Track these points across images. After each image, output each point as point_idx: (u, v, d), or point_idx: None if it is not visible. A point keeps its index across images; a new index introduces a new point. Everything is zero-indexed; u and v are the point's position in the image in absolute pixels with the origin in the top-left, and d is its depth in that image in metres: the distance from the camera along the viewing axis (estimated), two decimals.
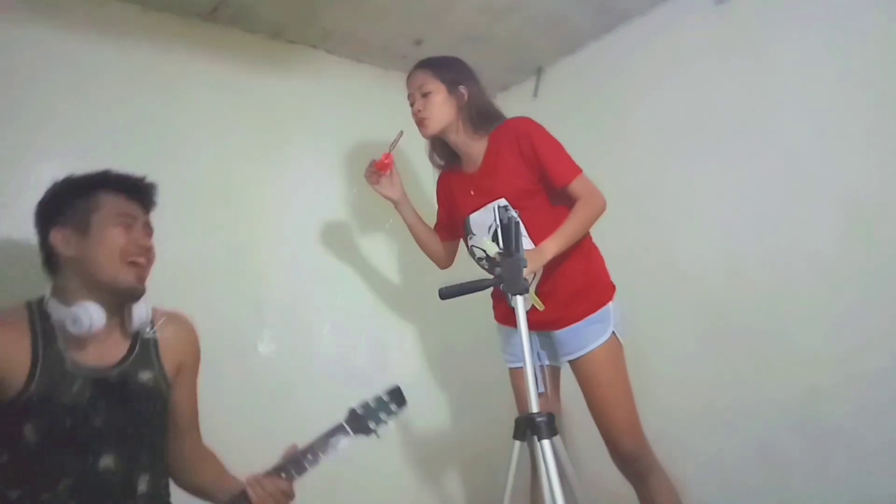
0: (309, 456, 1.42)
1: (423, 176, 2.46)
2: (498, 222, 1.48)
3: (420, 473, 2.46)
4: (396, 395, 1.57)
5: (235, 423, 1.91)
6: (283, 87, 2.42)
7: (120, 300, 1.43)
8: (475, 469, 2.56)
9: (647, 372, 2.24)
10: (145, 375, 1.46)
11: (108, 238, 1.40)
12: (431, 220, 2.15)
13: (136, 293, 1.43)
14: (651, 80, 2.45)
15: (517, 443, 1.54)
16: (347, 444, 1.48)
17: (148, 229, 1.50)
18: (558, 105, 2.71)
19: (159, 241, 1.53)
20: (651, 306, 2.35)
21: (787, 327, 2.05)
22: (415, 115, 1.94)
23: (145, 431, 1.45)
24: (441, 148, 2.04)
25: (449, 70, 1.94)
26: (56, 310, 1.37)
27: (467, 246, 2.00)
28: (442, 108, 1.90)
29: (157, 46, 2.15)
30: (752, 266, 2.14)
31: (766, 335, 2.10)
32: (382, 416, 1.53)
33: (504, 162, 1.87)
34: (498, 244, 1.49)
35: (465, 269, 2.01)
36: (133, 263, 1.41)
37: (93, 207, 1.42)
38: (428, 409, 2.54)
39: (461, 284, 1.53)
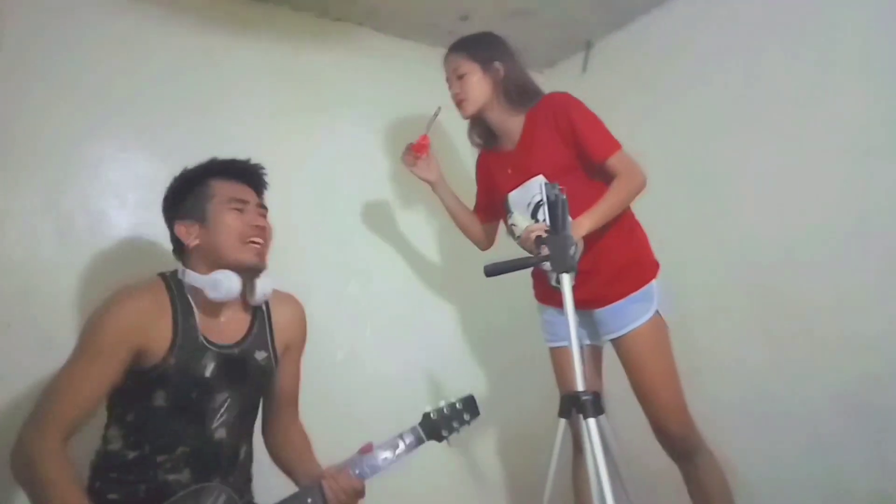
0: (384, 457, 1.47)
1: (464, 155, 2.45)
2: (545, 199, 1.46)
3: (461, 451, 2.48)
4: (470, 405, 1.60)
5: None
6: (330, 65, 2.43)
7: (244, 277, 1.49)
8: (517, 447, 2.57)
9: (695, 354, 2.20)
10: (261, 355, 1.54)
11: (225, 224, 1.47)
12: (472, 199, 2.15)
13: (258, 269, 1.50)
14: (704, 55, 2.38)
15: (562, 421, 1.54)
16: (419, 449, 1.52)
17: (261, 209, 1.57)
18: (607, 81, 2.66)
19: None
20: (700, 287, 2.31)
21: (842, 311, 1.99)
22: (453, 97, 1.94)
23: (255, 406, 1.55)
24: (480, 127, 2.03)
25: (482, 48, 1.93)
26: (193, 278, 1.46)
27: (506, 225, 1.99)
28: (478, 88, 1.90)
29: (207, 26, 2.18)
30: (807, 248, 2.07)
31: (819, 318, 2.03)
32: (455, 424, 1.57)
33: (540, 138, 1.85)
34: (537, 221, 1.47)
35: (506, 249, 2.00)
36: (251, 243, 1.49)
37: (207, 196, 1.50)
38: (470, 387, 2.53)
39: (506, 262, 1.52)
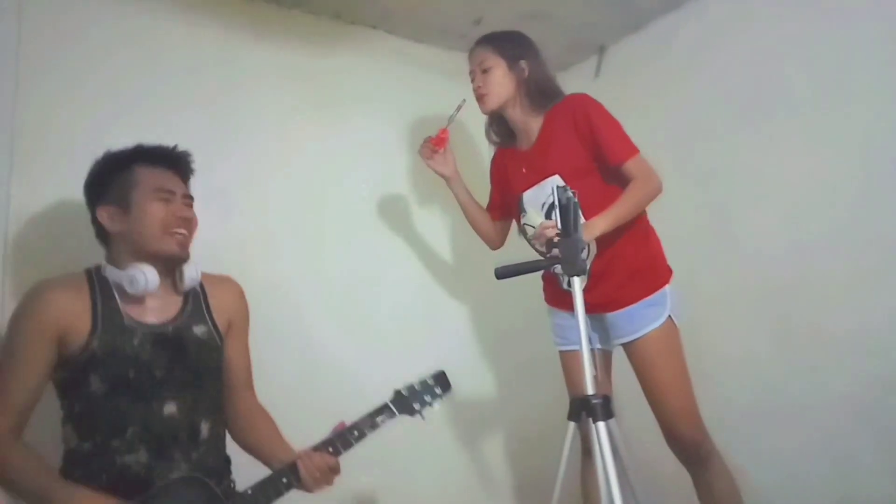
0: (355, 432, 1.49)
1: (482, 152, 2.45)
2: (556, 202, 1.46)
3: (470, 453, 2.48)
4: (441, 380, 1.63)
5: (291, 394, 1.96)
6: (344, 68, 2.44)
7: (167, 266, 1.51)
8: (525, 450, 2.56)
9: (707, 359, 2.19)
10: (199, 329, 1.55)
11: (149, 214, 1.48)
12: (486, 198, 2.15)
13: (179, 259, 1.51)
14: (718, 60, 2.37)
15: (572, 424, 1.53)
16: (391, 423, 1.54)
17: (187, 200, 1.57)
18: (620, 85, 2.65)
19: (223, 216, 1.59)
20: (713, 291, 2.29)
21: (857, 316, 1.97)
22: (475, 91, 1.93)
23: (204, 380, 1.54)
24: (498, 125, 2.03)
25: (510, 45, 1.93)
26: (112, 273, 1.47)
27: (519, 225, 1.99)
28: (501, 84, 1.89)
29: (222, 26, 2.20)
30: (821, 251, 2.05)
31: (833, 323, 2.01)
32: (427, 398, 1.60)
33: (559, 139, 1.85)
34: (551, 220, 1.47)
35: (516, 249, 2.00)
36: (174, 234, 1.49)
37: (132, 184, 1.50)
38: (479, 389, 2.56)
39: (517, 264, 1.52)
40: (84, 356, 1.39)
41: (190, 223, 1.54)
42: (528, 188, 1.88)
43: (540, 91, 1.90)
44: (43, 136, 1.86)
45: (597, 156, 1.81)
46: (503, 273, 1.50)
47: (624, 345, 1.83)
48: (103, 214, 1.49)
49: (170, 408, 1.44)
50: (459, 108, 2.02)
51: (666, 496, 2.06)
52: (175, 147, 1.58)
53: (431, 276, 2.55)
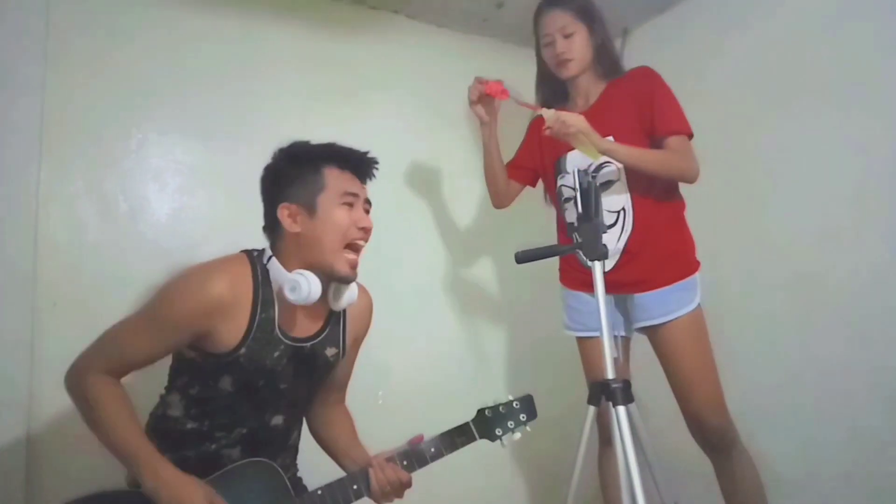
0: (433, 450, 1.46)
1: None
2: (577, 186, 1.45)
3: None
4: (527, 406, 1.56)
5: None
6: (365, 53, 2.44)
7: (328, 281, 1.46)
8: (542, 432, 2.56)
9: (732, 345, 2.17)
10: (331, 351, 1.53)
11: (333, 221, 1.42)
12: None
13: (347, 280, 1.46)
14: (743, 42, 2.32)
15: (591, 408, 1.53)
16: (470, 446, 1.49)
17: (367, 205, 1.52)
18: None
19: (244, 201, 1.60)
20: (738, 277, 2.27)
21: (883, 300, 1.93)
22: (557, 55, 1.88)
23: (314, 397, 1.56)
24: (551, 83, 1.99)
25: (589, 10, 1.90)
26: (277, 271, 1.41)
27: (552, 188, 1.96)
28: (584, 50, 1.88)
29: (245, 13, 2.21)
30: (848, 236, 2.01)
31: (860, 310, 1.98)
32: (510, 424, 1.53)
33: (618, 105, 1.84)
34: (577, 206, 1.46)
35: (528, 233, 2.00)
36: (351, 246, 1.45)
37: (320, 186, 1.44)
38: (495, 371, 2.57)
39: (537, 249, 1.51)
40: (227, 358, 1.37)
41: (368, 234, 1.49)
42: (574, 149, 1.83)
43: (610, 58, 1.91)
44: (70, 123, 1.89)
45: (649, 127, 1.79)
46: (524, 258, 1.50)
47: (649, 330, 1.81)
48: (284, 212, 1.43)
49: (277, 419, 1.46)
50: (532, 107, 1.89)
51: (685, 481, 2.05)
52: (367, 153, 1.53)
53: (451, 259, 2.55)
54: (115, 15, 2.00)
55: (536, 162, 2.03)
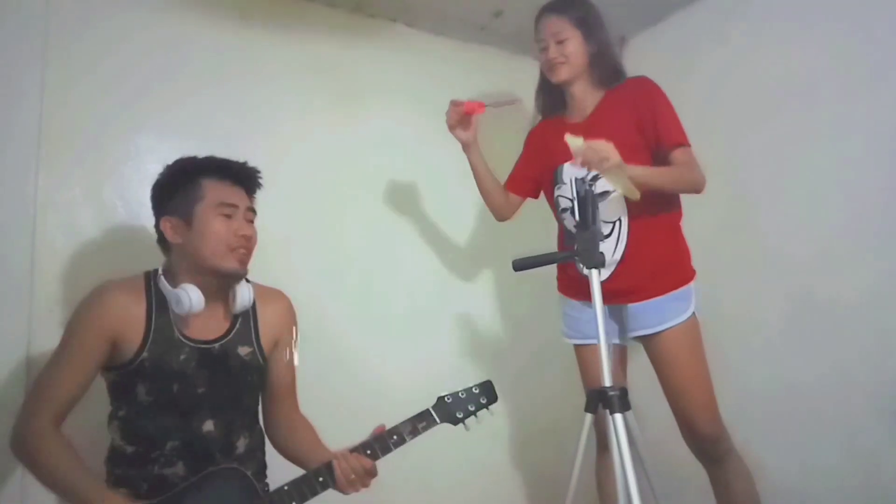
0: (394, 437, 1.48)
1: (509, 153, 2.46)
2: (575, 195, 1.46)
3: (483, 443, 2.49)
4: (487, 389, 1.59)
5: (308, 387, 1.98)
6: (363, 61, 2.45)
7: (223, 283, 1.52)
8: (539, 440, 2.57)
9: (729, 357, 2.18)
10: (244, 350, 1.56)
11: (210, 230, 1.48)
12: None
13: (237, 276, 1.52)
14: (740, 52, 2.34)
15: (588, 416, 1.54)
16: (433, 430, 1.52)
17: (249, 214, 1.57)
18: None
19: None
20: (734, 286, 2.28)
21: (880, 313, 1.94)
22: (549, 61, 1.88)
23: (243, 399, 1.56)
24: (550, 92, 1.99)
25: (585, 16, 1.89)
26: (164, 287, 1.48)
27: (551, 198, 1.96)
28: (577, 56, 1.86)
29: (243, 21, 2.23)
30: (844, 246, 2.03)
31: (856, 319, 1.99)
32: (471, 407, 1.56)
33: (616, 116, 1.83)
34: (574, 215, 1.47)
35: (528, 238, 2.01)
36: (235, 251, 1.49)
37: (197, 197, 1.50)
38: (493, 378, 2.55)
39: (535, 257, 1.53)
40: (134, 365, 1.43)
41: (250, 242, 1.54)
42: (571, 160, 1.82)
43: (608, 66, 1.89)
44: (68, 129, 1.89)
45: (651, 138, 1.79)
46: (521, 265, 1.51)
47: (644, 339, 1.82)
48: (166, 225, 1.51)
49: (208, 425, 1.47)
50: (509, 104, 1.95)
51: (682, 489, 2.06)
52: (245, 163, 1.58)
53: (448, 267, 2.56)
54: (114, 21, 2.00)
55: (536, 172, 2.03)
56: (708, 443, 1.76)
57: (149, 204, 1.97)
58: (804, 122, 2.14)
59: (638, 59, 2.71)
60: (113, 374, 1.46)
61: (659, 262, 1.79)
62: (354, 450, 1.45)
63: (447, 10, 2.48)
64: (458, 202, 2.56)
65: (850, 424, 1.99)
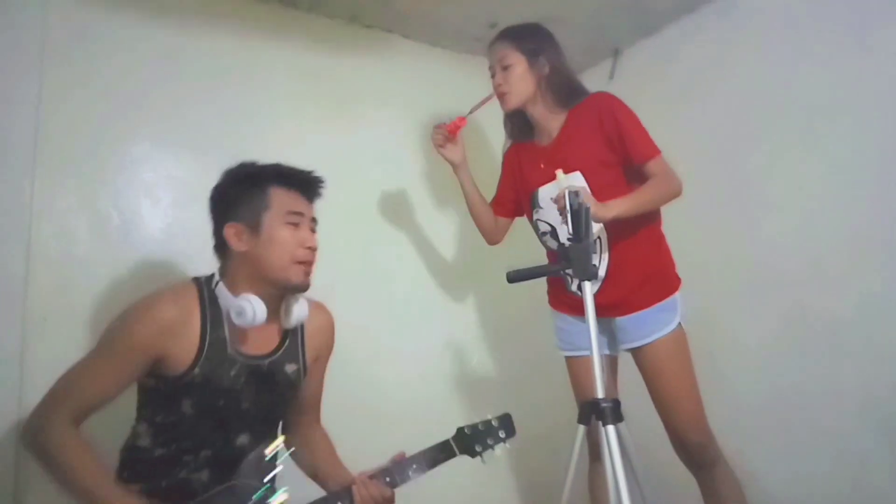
0: (414, 466, 1.47)
1: (495, 150, 2.47)
2: (568, 207, 1.47)
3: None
4: (506, 423, 1.59)
5: None
6: (359, 72, 2.46)
7: (280, 295, 1.49)
8: (532, 450, 2.57)
9: (719, 364, 2.19)
10: (291, 367, 1.55)
11: (278, 240, 1.45)
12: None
13: (301, 288, 1.48)
14: (733, 64, 2.36)
15: (581, 427, 1.54)
16: (451, 462, 1.52)
17: (313, 224, 1.55)
18: (635, 88, 2.62)
19: None
20: (725, 296, 2.29)
21: (871, 321, 1.95)
22: (495, 88, 1.90)
23: (278, 413, 1.56)
24: (516, 118, 1.99)
25: (530, 40, 1.89)
26: (224, 296, 1.44)
27: (531, 221, 1.98)
28: (522, 82, 1.86)
29: (240, 30, 2.23)
30: (835, 256, 2.04)
31: (847, 329, 2.00)
32: (490, 441, 1.56)
33: (582, 136, 1.83)
34: (566, 219, 1.48)
35: (520, 250, 2.02)
36: (301, 263, 1.47)
37: (265, 205, 1.46)
38: (487, 387, 2.58)
39: (530, 269, 1.53)
40: (183, 380, 1.39)
41: (314, 253, 1.51)
42: (546, 183, 1.86)
43: (562, 89, 1.88)
44: (64, 138, 1.89)
45: (620, 154, 1.79)
46: (515, 277, 1.51)
47: (632, 350, 1.83)
48: (230, 232, 1.46)
49: (243, 439, 1.46)
50: (486, 100, 1.98)
51: (674, 500, 2.06)
52: (311, 172, 1.55)
53: (442, 276, 2.57)
54: (110, 30, 2.01)
55: (516, 194, 2.04)
56: (695, 450, 1.77)
57: (143, 212, 2.00)
58: (797, 132, 2.16)
59: (632, 70, 2.74)
60: (155, 382, 1.41)
61: (642, 274, 1.80)
62: (374, 476, 1.44)
63: (443, 21, 2.50)
64: (451, 213, 2.57)
65: (840, 434, 2.00)
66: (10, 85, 1.83)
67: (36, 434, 1.31)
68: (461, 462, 2.38)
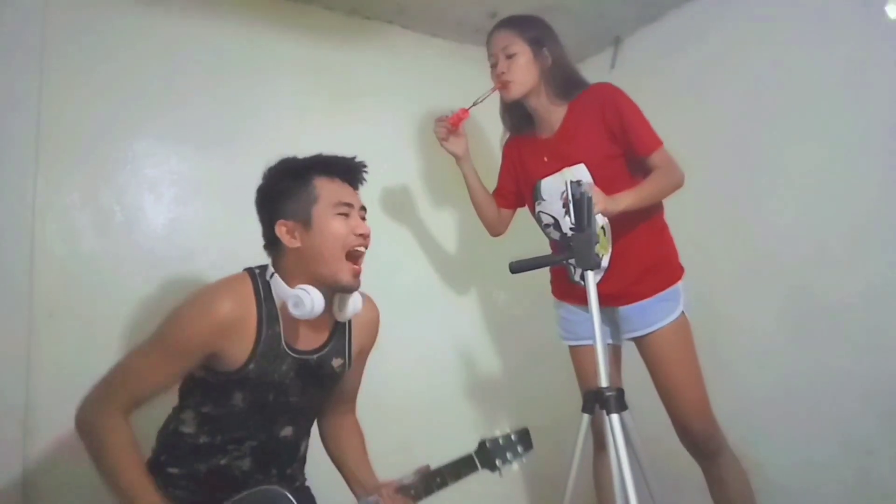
0: (438, 480, 1.47)
1: (493, 141, 2.46)
2: (570, 197, 1.46)
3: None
4: (524, 438, 1.60)
5: None
6: (360, 63, 2.46)
7: (334, 291, 1.48)
8: (537, 440, 2.58)
9: (724, 352, 2.19)
10: (337, 362, 1.55)
11: (330, 232, 1.44)
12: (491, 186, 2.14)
13: (350, 289, 1.47)
14: (735, 51, 2.35)
15: (585, 416, 1.54)
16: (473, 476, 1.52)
17: (363, 213, 1.53)
18: (636, 77, 2.62)
19: (242, 210, 1.61)
20: (730, 285, 2.29)
21: (876, 308, 1.95)
22: (498, 76, 1.88)
23: (321, 406, 1.58)
24: (515, 111, 1.98)
25: (534, 30, 1.88)
26: (280, 287, 1.44)
27: (533, 213, 1.98)
28: (526, 71, 1.85)
29: (241, 24, 2.23)
30: (838, 244, 2.04)
31: (852, 317, 2.00)
32: (509, 456, 1.56)
33: (585, 128, 1.82)
34: (569, 211, 1.48)
35: (523, 240, 2.01)
36: (352, 254, 1.45)
37: (313, 198, 1.45)
38: (490, 378, 2.58)
39: (532, 259, 1.53)
40: (237, 375, 1.39)
41: (367, 239, 1.50)
42: (548, 175, 1.86)
43: (564, 80, 1.86)
44: (66, 135, 1.89)
45: (623, 146, 1.79)
46: (518, 267, 1.51)
47: (636, 340, 1.83)
48: (282, 229, 1.45)
49: (287, 430, 1.48)
50: (490, 93, 1.95)
51: (679, 489, 2.07)
52: (353, 158, 1.54)
53: (444, 268, 2.57)
54: (111, 27, 2.00)
55: (517, 186, 2.03)
56: (700, 439, 1.77)
57: (146, 208, 2.00)
58: (800, 121, 2.15)
59: (633, 58, 2.73)
60: (205, 374, 1.41)
61: (645, 264, 1.80)
62: (399, 489, 1.44)
63: (443, 12, 2.49)
64: (454, 204, 2.56)
65: (845, 421, 2.00)
66: (11, 80, 1.82)
67: (91, 417, 1.32)
68: (463, 448, 2.41)
